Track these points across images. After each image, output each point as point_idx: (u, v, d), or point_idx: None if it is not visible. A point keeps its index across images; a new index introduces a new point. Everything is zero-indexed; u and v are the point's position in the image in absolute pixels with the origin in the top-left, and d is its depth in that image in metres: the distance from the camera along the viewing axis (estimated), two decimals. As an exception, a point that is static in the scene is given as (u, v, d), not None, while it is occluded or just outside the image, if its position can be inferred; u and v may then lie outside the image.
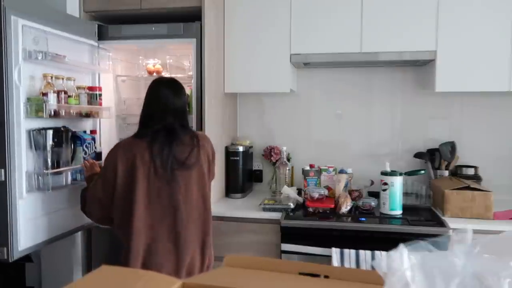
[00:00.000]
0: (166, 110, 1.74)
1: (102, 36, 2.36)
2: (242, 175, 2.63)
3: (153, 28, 2.32)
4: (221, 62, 2.52)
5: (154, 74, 2.62)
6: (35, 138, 1.81)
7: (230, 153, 2.62)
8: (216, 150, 2.46)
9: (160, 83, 1.83)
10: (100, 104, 2.22)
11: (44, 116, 1.78)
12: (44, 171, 1.83)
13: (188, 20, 2.31)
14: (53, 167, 1.88)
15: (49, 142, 1.85)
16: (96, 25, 2.35)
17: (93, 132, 2.23)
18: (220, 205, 2.44)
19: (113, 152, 1.73)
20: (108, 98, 2.46)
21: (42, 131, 1.83)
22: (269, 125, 2.90)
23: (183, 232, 1.71)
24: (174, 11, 2.37)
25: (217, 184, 2.49)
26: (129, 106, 2.68)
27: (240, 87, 2.58)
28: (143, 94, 2.79)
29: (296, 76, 2.81)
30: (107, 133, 2.48)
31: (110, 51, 2.41)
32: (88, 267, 2.43)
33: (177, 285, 0.67)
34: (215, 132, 2.44)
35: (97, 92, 2.20)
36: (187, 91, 2.61)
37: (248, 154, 2.74)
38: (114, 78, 2.58)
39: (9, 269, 2.69)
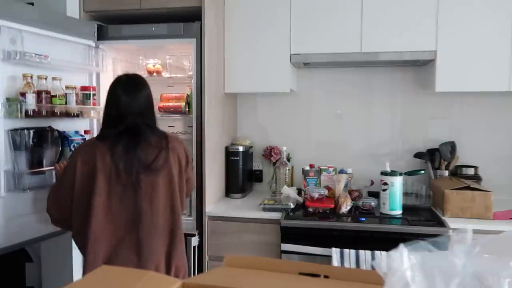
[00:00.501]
0: (127, 110, 1.63)
1: (102, 36, 2.36)
2: (242, 175, 2.63)
3: (153, 28, 2.32)
4: (221, 62, 2.52)
5: (154, 74, 2.62)
6: (13, 138, 1.81)
7: (230, 153, 2.62)
8: (216, 150, 2.47)
9: (117, 82, 1.71)
10: (94, 104, 2.21)
11: (19, 116, 1.77)
12: (23, 170, 1.83)
13: (188, 20, 2.31)
14: (34, 167, 1.88)
15: (29, 142, 1.84)
16: (96, 25, 2.34)
17: (87, 132, 2.22)
18: (220, 205, 2.44)
19: (74, 153, 1.66)
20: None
21: (21, 131, 1.82)
22: (269, 125, 2.90)
23: (147, 242, 1.59)
24: (174, 11, 2.38)
25: (217, 184, 2.50)
26: (129, 106, 2.67)
27: (240, 87, 2.58)
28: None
29: (296, 76, 2.81)
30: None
31: (107, 51, 2.41)
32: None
33: (177, 285, 0.67)
34: (215, 132, 2.44)
35: (91, 92, 2.20)
36: (187, 91, 2.63)
37: (248, 154, 2.74)
38: (114, 78, 2.58)
39: (9, 269, 2.69)
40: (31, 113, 1.84)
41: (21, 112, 1.78)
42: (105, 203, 1.57)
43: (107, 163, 1.57)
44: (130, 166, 1.58)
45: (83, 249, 1.59)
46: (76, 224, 1.61)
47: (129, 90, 1.66)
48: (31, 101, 1.83)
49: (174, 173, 1.67)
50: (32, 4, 2.24)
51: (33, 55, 1.84)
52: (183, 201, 1.77)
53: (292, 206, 2.29)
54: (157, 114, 2.64)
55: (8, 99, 1.79)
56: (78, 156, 1.61)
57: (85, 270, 1.56)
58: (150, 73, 2.63)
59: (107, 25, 2.40)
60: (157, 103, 2.71)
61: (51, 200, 1.70)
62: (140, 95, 1.68)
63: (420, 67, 2.65)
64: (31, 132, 1.85)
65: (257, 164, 2.89)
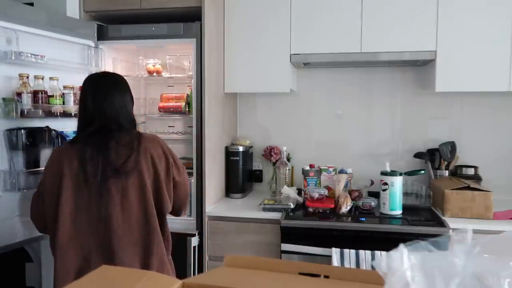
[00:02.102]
0: (97, 112, 1.53)
1: (102, 36, 2.36)
2: (242, 175, 2.63)
3: (153, 28, 2.32)
4: (221, 62, 2.52)
5: (154, 74, 2.62)
6: (9, 138, 1.81)
7: (230, 153, 2.62)
8: (216, 150, 2.47)
9: (88, 81, 1.63)
10: None
11: (14, 116, 1.77)
12: (20, 170, 1.83)
13: (188, 20, 2.31)
14: (31, 167, 1.88)
15: (26, 142, 1.84)
16: (96, 25, 2.34)
17: None
18: (220, 205, 2.44)
19: (48, 159, 1.57)
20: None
21: (17, 131, 1.82)
22: (269, 125, 2.90)
23: (119, 252, 1.45)
24: (174, 11, 2.38)
25: (217, 184, 2.50)
26: (129, 106, 2.67)
27: (240, 87, 2.58)
28: (143, 94, 2.82)
29: (296, 76, 2.81)
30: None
31: (106, 51, 2.40)
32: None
33: (177, 285, 0.67)
34: (215, 132, 2.44)
35: None
36: (187, 91, 2.63)
37: (248, 154, 2.74)
38: (114, 78, 2.58)
39: (9, 269, 2.69)
40: (27, 113, 1.84)
41: (16, 112, 1.77)
42: (71, 212, 1.45)
43: (74, 168, 1.46)
44: (96, 170, 1.45)
45: (54, 263, 1.48)
46: (50, 235, 1.52)
47: (100, 91, 1.57)
48: (26, 101, 1.83)
49: (145, 177, 1.50)
50: (32, 4, 2.24)
51: (29, 55, 1.84)
52: (167, 207, 1.58)
53: (292, 206, 2.29)
54: (157, 114, 2.67)
55: (4, 99, 1.79)
56: (48, 163, 1.54)
57: (55, 283, 1.46)
58: (150, 73, 2.63)
59: (107, 25, 2.40)
60: (157, 103, 2.72)
61: (31, 209, 1.61)
62: (112, 96, 1.57)
63: (420, 67, 2.65)
64: (28, 132, 1.85)
65: (257, 164, 2.89)
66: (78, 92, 2.16)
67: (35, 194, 1.61)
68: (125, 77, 2.71)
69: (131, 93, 1.67)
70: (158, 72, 2.61)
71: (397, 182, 2.22)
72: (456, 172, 2.55)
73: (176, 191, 1.64)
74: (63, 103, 2.04)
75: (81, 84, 2.20)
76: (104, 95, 1.56)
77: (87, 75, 2.28)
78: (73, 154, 1.49)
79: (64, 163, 1.48)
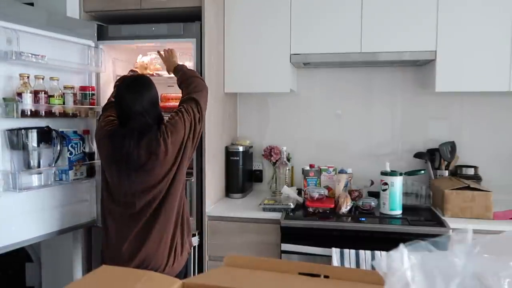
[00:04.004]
0: (130, 110, 1.73)
1: (102, 36, 2.36)
2: (242, 175, 2.63)
3: (153, 28, 2.32)
4: (221, 62, 2.52)
5: (154, 74, 2.61)
6: (10, 138, 1.81)
7: (230, 153, 2.62)
8: (216, 150, 2.47)
9: (121, 83, 1.86)
10: (93, 104, 2.21)
11: (15, 116, 1.78)
12: (20, 170, 1.83)
13: (188, 20, 2.31)
14: (32, 167, 1.88)
15: (27, 142, 1.84)
16: (96, 25, 2.34)
17: (85, 132, 2.22)
18: (220, 205, 2.44)
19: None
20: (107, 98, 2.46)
21: (18, 131, 1.83)
22: (269, 125, 2.90)
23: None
24: (174, 11, 2.38)
25: (217, 184, 2.50)
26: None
27: (240, 87, 2.58)
28: (143, 94, 2.81)
29: (296, 76, 2.81)
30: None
31: (106, 51, 2.40)
32: (88, 267, 2.43)
33: (177, 285, 0.67)
34: (215, 132, 2.44)
35: (89, 92, 2.20)
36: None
37: (248, 154, 2.74)
38: (114, 78, 2.58)
39: (9, 269, 2.69)
40: (28, 113, 1.84)
41: (17, 112, 1.78)
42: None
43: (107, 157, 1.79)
44: (124, 167, 1.73)
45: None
46: None
47: (131, 91, 1.75)
48: (27, 101, 1.84)
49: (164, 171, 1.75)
50: (32, 4, 2.24)
51: (30, 55, 1.84)
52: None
53: (292, 206, 2.29)
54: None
55: (4, 99, 1.79)
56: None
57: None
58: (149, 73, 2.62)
59: (107, 25, 2.39)
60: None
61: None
62: (142, 96, 1.75)
63: (420, 67, 2.65)
64: (28, 132, 1.85)
65: (257, 164, 2.89)
66: (78, 92, 2.17)
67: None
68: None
69: (156, 90, 1.84)
70: (157, 69, 2.60)
71: (397, 182, 2.22)
72: (456, 172, 2.55)
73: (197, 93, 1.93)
74: (63, 103, 2.04)
75: (81, 84, 2.22)
76: (136, 97, 1.74)
77: (87, 75, 2.30)
78: (106, 147, 1.78)
79: (100, 149, 1.84)
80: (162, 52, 2.20)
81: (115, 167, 1.76)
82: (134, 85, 1.78)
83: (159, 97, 1.92)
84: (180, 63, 2.13)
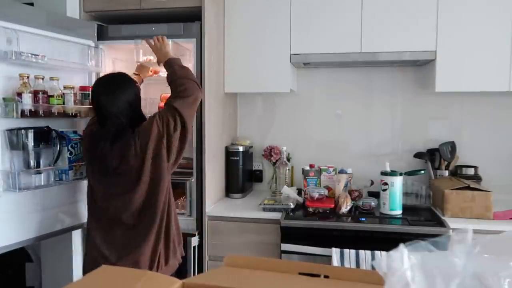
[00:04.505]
0: (105, 111, 1.67)
1: (102, 36, 2.36)
2: (242, 175, 2.63)
3: (153, 28, 2.32)
4: (221, 62, 2.52)
5: (154, 74, 2.61)
6: (10, 138, 1.81)
7: (230, 153, 2.62)
8: (216, 150, 2.47)
9: (95, 85, 1.77)
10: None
11: (15, 116, 1.77)
12: (20, 170, 1.83)
13: (188, 20, 2.31)
14: (31, 167, 1.88)
15: (26, 142, 1.84)
16: (96, 25, 2.34)
17: None
18: (220, 205, 2.44)
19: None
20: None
21: (17, 131, 1.82)
22: (269, 125, 2.90)
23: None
24: (174, 11, 2.38)
25: (217, 184, 2.50)
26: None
27: (240, 87, 2.58)
28: (143, 94, 2.79)
29: (296, 76, 2.81)
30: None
31: (106, 51, 2.40)
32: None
33: (177, 285, 0.67)
34: (215, 132, 2.44)
35: (89, 92, 2.20)
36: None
37: (248, 154, 2.74)
38: (114, 78, 2.58)
39: (9, 269, 2.69)
40: (28, 113, 1.84)
41: (17, 112, 1.78)
42: None
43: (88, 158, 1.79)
44: (98, 168, 1.72)
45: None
46: None
47: (105, 92, 1.69)
48: (27, 101, 1.83)
49: (139, 175, 1.68)
50: (32, 4, 2.24)
51: (29, 55, 1.84)
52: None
53: (292, 206, 2.29)
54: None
55: (4, 99, 1.79)
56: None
57: None
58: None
59: (107, 25, 2.39)
60: (157, 103, 2.71)
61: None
62: (116, 96, 1.67)
63: (420, 67, 2.65)
64: (28, 132, 1.85)
65: (257, 164, 2.89)
66: (78, 92, 2.17)
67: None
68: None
69: (134, 89, 1.75)
70: (156, 72, 2.60)
71: (397, 182, 2.22)
72: (456, 172, 2.55)
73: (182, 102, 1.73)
74: (63, 103, 2.04)
75: (81, 84, 2.21)
76: (111, 97, 1.67)
77: (87, 75, 2.30)
78: (85, 146, 1.77)
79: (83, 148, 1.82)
80: (151, 41, 1.99)
81: (91, 169, 1.75)
82: (108, 85, 1.71)
83: (139, 97, 1.80)
84: (174, 55, 1.97)
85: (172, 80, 1.80)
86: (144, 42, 2.07)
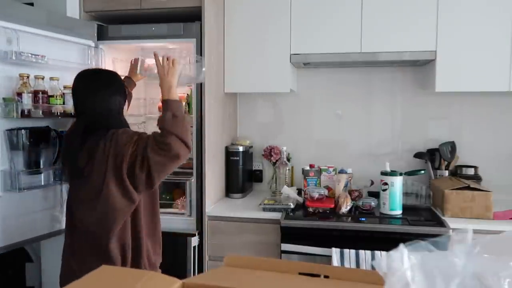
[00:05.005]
0: (81, 108, 1.58)
1: (102, 36, 2.36)
2: (242, 175, 2.63)
3: (153, 28, 2.32)
4: (221, 62, 2.52)
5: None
6: (10, 138, 1.81)
7: (230, 153, 2.62)
8: (216, 150, 2.47)
9: (76, 77, 1.62)
10: None
11: (15, 116, 1.78)
12: (20, 170, 1.83)
13: (188, 20, 2.31)
14: (31, 167, 1.88)
15: (26, 142, 1.84)
16: (96, 25, 2.35)
17: None
18: (220, 205, 2.44)
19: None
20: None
21: (17, 131, 1.83)
22: (269, 125, 2.90)
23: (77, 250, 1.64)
24: (174, 11, 2.38)
25: (217, 184, 2.50)
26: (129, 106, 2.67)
27: (240, 87, 2.58)
28: (143, 94, 2.82)
29: (296, 76, 2.81)
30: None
31: (106, 51, 2.40)
32: (88, 267, 2.43)
33: (177, 285, 0.67)
34: (215, 132, 2.44)
35: None
36: (187, 91, 2.63)
37: (248, 154, 2.74)
38: (114, 78, 2.58)
39: (9, 269, 2.69)
40: (27, 113, 1.84)
41: (17, 112, 1.78)
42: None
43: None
44: (65, 169, 1.64)
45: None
46: None
47: (86, 84, 1.58)
48: (27, 101, 1.84)
49: (103, 180, 1.48)
50: (32, 4, 2.24)
51: (29, 55, 1.84)
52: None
53: (292, 206, 2.29)
54: (157, 114, 2.67)
55: (4, 99, 1.79)
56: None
57: None
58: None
59: (107, 25, 2.39)
60: (157, 103, 2.71)
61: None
62: (95, 92, 1.56)
63: (420, 67, 2.65)
64: (28, 132, 1.85)
65: (257, 164, 2.89)
66: None
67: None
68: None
69: (119, 91, 1.62)
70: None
71: (397, 182, 2.22)
72: (456, 172, 2.55)
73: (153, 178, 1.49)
74: (63, 103, 2.04)
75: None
76: (87, 93, 1.58)
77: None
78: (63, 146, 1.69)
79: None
80: (160, 58, 1.67)
81: (64, 168, 1.67)
82: (91, 80, 1.59)
83: (123, 100, 1.65)
84: (178, 91, 1.71)
85: (160, 127, 1.52)
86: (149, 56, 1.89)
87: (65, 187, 2.05)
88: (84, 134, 1.54)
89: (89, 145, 1.53)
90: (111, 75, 1.65)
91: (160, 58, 1.65)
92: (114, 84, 1.62)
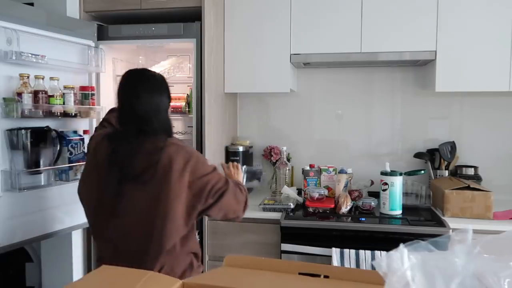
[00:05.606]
0: (129, 110, 1.47)
1: (102, 36, 2.36)
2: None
3: (153, 28, 2.32)
4: (221, 62, 2.52)
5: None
6: (10, 138, 1.81)
7: (230, 153, 2.62)
8: (216, 150, 2.47)
9: (124, 76, 1.53)
10: (93, 104, 2.21)
11: (15, 116, 1.78)
12: (20, 170, 1.83)
13: (188, 20, 2.31)
14: (32, 167, 1.88)
15: (27, 142, 1.84)
16: (96, 25, 2.35)
17: (86, 132, 2.22)
18: (220, 205, 2.44)
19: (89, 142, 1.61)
20: (108, 98, 2.46)
21: (18, 131, 1.82)
22: (269, 125, 2.90)
23: (114, 257, 1.49)
24: (174, 11, 2.38)
25: (217, 184, 2.49)
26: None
27: (240, 87, 2.58)
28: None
29: (296, 76, 2.81)
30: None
31: (106, 51, 2.40)
32: (88, 267, 2.43)
33: (177, 285, 0.67)
34: (215, 132, 2.44)
35: (90, 92, 2.20)
36: (187, 91, 2.63)
37: (248, 154, 2.74)
38: (114, 78, 2.58)
39: (9, 269, 2.69)
40: (28, 113, 1.84)
41: (17, 112, 1.78)
42: (90, 202, 1.52)
43: (100, 164, 1.47)
44: (117, 174, 1.43)
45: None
46: None
47: (133, 88, 1.48)
48: (27, 101, 1.84)
49: (160, 190, 1.40)
50: (32, 4, 2.24)
51: (30, 55, 1.85)
52: (171, 227, 1.41)
53: (292, 206, 2.29)
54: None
55: (4, 99, 1.79)
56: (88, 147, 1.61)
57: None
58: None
59: (107, 25, 2.40)
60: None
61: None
62: (147, 95, 1.48)
63: (420, 67, 2.65)
64: (28, 132, 1.85)
65: (257, 164, 2.89)
66: (79, 92, 2.17)
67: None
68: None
69: (169, 95, 1.57)
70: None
71: (397, 182, 2.22)
72: (456, 172, 2.55)
73: (212, 212, 1.51)
74: (64, 103, 2.04)
75: (81, 84, 2.21)
76: (137, 94, 1.47)
77: (87, 75, 2.30)
78: (103, 150, 1.47)
79: (95, 154, 1.51)
80: (227, 170, 1.86)
81: (104, 175, 1.47)
82: (144, 80, 1.51)
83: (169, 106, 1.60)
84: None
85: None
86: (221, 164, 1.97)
87: (69, 186, 2.05)
88: (139, 136, 1.45)
89: (148, 151, 1.43)
90: (160, 76, 1.57)
91: (226, 166, 1.92)
92: (163, 84, 1.55)
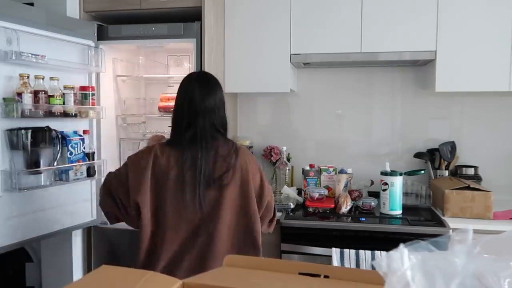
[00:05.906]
0: (195, 112, 1.51)
1: (102, 36, 2.36)
2: (242, 175, 2.62)
3: (153, 28, 2.32)
4: (221, 62, 2.52)
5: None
6: (10, 138, 1.81)
7: (230, 153, 2.61)
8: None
9: (187, 79, 1.60)
10: (93, 104, 2.21)
11: (15, 116, 1.78)
12: (20, 170, 1.83)
13: (188, 20, 2.31)
14: (32, 167, 1.88)
15: (27, 142, 1.84)
16: (96, 25, 2.35)
17: (86, 132, 2.22)
18: (220, 205, 2.43)
19: (138, 153, 1.57)
20: (108, 98, 2.46)
21: (18, 131, 1.82)
22: (269, 125, 2.90)
23: (205, 260, 1.50)
24: (174, 11, 2.38)
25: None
26: (129, 106, 2.68)
27: (240, 87, 2.58)
28: (143, 94, 2.82)
29: (296, 76, 2.81)
30: (107, 133, 2.48)
31: (106, 51, 2.40)
32: (88, 267, 2.43)
33: (177, 285, 0.67)
34: (215, 132, 2.43)
35: (90, 92, 2.20)
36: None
37: (248, 154, 2.73)
38: (114, 78, 2.58)
39: (9, 269, 2.69)
40: (28, 113, 1.84)
41: (17, 112, 1.78)
42: (153, 212, 1.49)
43: (164, 171, 1.48)
44: (195, 179, 1.46)
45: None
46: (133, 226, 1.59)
47: (203, 87, 1.55)
48: (27, 101, 1.84)
49: (239, 191, 1.52)
50: (32, 4, 2.24)
51: (30, 55, 1.85)
52: (255, 223, 1.54)
53: (292, 206, 2.29)
54: (157, 114, 2.67)
55: (4, 99, 1.79)
56: (136, 157, 1.54)
57: None
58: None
59: (107, 25, 2.40)
60: (157, 103, 2.72)
61: (102, 200, 1.60)
62: (213, 94, 1.56)
63: (420, 67, 2.65)
64: (28, 132, 1.85)
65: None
66: (79, 92, 2.17)
67: (107, 186, 1.57)
68: (124, 77, 2.73)
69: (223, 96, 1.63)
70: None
71: (397, 182, 2.22)
72: (456, 172, 2.55)
73: (265, 212, 1.63)
74: (64, 103, 2.04)
75: (81, 84, 2.21)
76: (207, 88, 1.55)
77: (87, 75, 2.30)
78: (169, 157, 1.48)
79: (155, 164, 1.48)
80: None
81: (171, 180, 1.49)
82: (208, 83, 1.59)
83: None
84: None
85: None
86: None
87: (69, 186, 2.04)
88: (211, 139, 1.51)
89: (223, 154, 1.51)
90: (214, 77, 1.64)
91: None
92: (219, 84, 1.63)
